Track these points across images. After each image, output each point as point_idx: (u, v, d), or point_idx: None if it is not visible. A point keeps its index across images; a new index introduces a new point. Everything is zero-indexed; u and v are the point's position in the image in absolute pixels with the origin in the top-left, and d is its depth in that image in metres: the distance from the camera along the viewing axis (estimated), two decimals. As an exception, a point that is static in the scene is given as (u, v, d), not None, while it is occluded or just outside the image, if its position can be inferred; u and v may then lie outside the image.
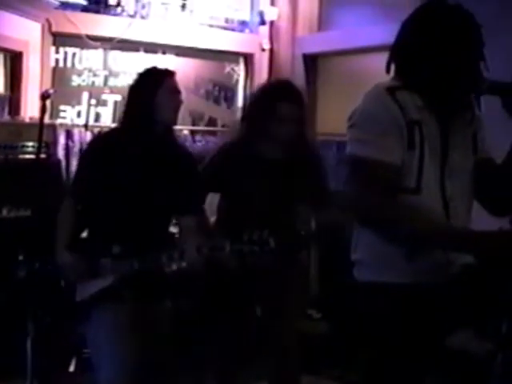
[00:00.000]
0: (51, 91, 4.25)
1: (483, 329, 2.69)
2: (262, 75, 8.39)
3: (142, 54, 7.62)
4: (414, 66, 2.58)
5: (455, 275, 2.54)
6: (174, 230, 4.12)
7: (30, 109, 6.57)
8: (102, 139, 3.93)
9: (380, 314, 2.56)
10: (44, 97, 4.08)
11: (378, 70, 2.75)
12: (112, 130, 4.02)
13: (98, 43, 7.30)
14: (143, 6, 7.52)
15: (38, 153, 4.38)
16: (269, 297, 4.18)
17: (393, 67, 2.69)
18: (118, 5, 7.35)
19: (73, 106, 7.26)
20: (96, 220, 3.69)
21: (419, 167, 2.50)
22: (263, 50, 8.34)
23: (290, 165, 4.07)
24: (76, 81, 7.33)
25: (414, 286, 2.51)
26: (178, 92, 3.76)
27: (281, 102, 4.00)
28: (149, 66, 3.93)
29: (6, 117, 6.63)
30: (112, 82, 7.44)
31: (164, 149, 3.69)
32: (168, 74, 3.77)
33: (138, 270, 3.44)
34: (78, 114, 7.26)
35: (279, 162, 4.06)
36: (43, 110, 4.06)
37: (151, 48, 7.66)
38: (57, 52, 7.23)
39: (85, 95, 7.31)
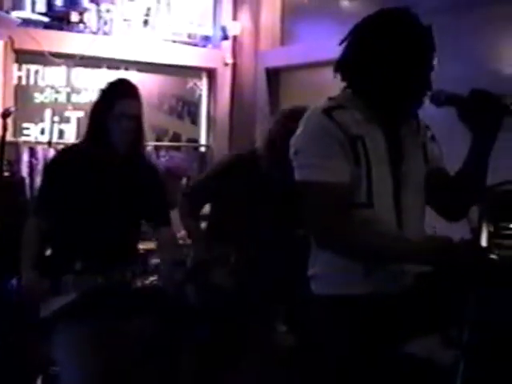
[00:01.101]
0: (12, 109, 4.25)
1: (448, 337, 2.72)
2: (224, 90, 8.42)
3: (104, 70, 7.61)
4: (362, 74, 2.60)
5: (411, 285, 2.57)
6: (141, 246, 4.11)
7: (-8, 127, 6.53)
8: (64, 155, 3.89)
9: (338, 326, 2.58)
10: (5, 115, 4.07)
11: (339, 82, 2.76)
12: (73, 146, 3.98)
13: (61, 60, 7.28)
14: (105, 23, 7.52)
15: (0, 171, 4.35)
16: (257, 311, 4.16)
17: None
18: (81, 22, 7.34)
19: (36, 124, 7.23)
20: (59, 237, 3.67)
21: (368, 181, 2.51)
22: (226, 64, 8.38)
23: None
24: (39, 98, 7.31)
25: (370, 297, 2.54)
26: (130, 117, 3.61)
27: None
28: (113, 79, 3.85)
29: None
30: (75, 98, 7.42)
31: (126, 164, 3.67)
32: (121, 97, 3.65)
33: (101, 285, 3.42)
34: (42, 132, 7.23)
35: None
36: (4, 128, 4.05)
37: (114, 64, 7.65)
38: (19, 69, 7.20)
39: (48, 112, 7.29)
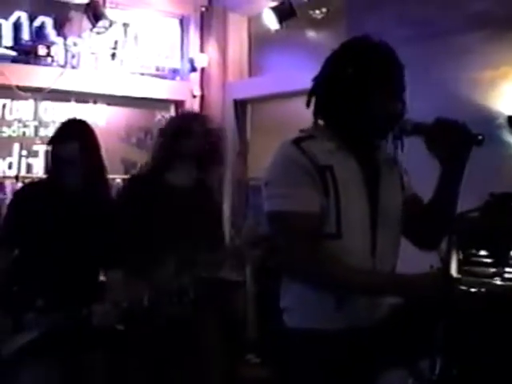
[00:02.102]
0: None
1: (416, 368, 2.71)
2: (193, 122, 8.41)
3: (73, 103, 7.60)
4: (331, 105, 2.61)
5: (383, 317, 2.57)
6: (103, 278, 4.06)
7: (-40, 161, 6.49)
8: (26, 190, 3.89)
9: (309, 362, 2.57)
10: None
11: (307, 113, 2.77)
12: (38, 182, 3.98)
13: (29, 94, 7.26)
14: (73, 56, 7.52)
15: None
16: (189, 348, 4.12)
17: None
18: (48, 55, 7.33)
19: (3, 158, 7.19)
20: (21, 273, 3.64)
21: (337, 212, 2.50)
22: (194, 96, 8.39)
23: None
24: (6, 132, 7.26)
25: (342, 332, 2.53)
26: (65, 160, 3.62)
27: None
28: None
29: None
30: (43, 132, 7.38)
31: (86, 201, 3.65)
32: (57, 141, 3.68)
33: (61, 323, 3.40)
34: (9, 166, 7.19)
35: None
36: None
37: (82, 98, 7.64)
38: (-13, 103, 7.17)
39: (16, 146, 7.25)
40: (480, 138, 2.47)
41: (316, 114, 2.66)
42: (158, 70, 8.26)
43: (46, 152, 3.74)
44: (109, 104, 7.87)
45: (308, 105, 2.68)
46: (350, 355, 2.51)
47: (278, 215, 2.53)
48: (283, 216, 2.51)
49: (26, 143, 7.27)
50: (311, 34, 7.46)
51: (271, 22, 7.38)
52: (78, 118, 3.88)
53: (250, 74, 8.25)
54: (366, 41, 2.62)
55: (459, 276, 4.32)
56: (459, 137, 2.47)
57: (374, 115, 2.54)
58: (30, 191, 3.81)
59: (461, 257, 4.46)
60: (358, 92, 2.53)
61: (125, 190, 4.40)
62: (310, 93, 2.68)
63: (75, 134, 3.64)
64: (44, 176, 3.94)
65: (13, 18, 7.17)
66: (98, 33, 7.49)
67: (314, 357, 2.55)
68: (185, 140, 4.07)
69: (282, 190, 2.51)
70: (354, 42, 2.66)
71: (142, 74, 8.09)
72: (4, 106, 7.27)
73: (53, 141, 3.66)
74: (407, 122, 2.57)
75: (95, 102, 7.77)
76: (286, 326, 2.67)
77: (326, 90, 2.62)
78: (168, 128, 4.26)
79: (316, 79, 2.68)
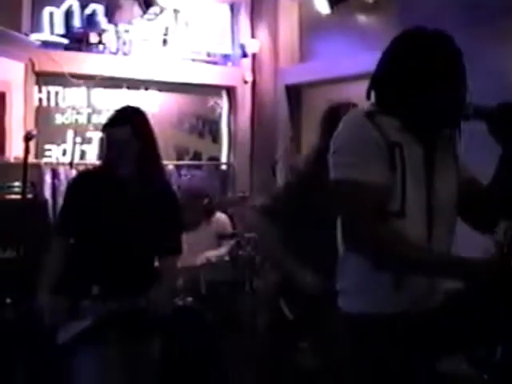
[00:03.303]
0: (34, 132, 4.25)
1: (473, 355, 2.68)
2: (245, 107, 8.43)
3: (124, 90, 7.65)
4: (396, 95, 2.58)
5: (440, 302, 2.54)
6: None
7: (15, 148, 6.55)
8: (81, 178, 3.89)
9: (367, 347, 2.54)
10: (27, 138, 4.07)
11: (360, 98, 2.75)
12: (94, 169, 3.98)
13: (81, 81, 7.33)
14: (124, 43, 7.56)
15: (23, 193, 4.36)
16: None
17: (373, 96, 2.68)
18: (100, 42, 7.38)
19: (58, 145, 7.27)
20: (77, 260, 3.66)
21: (402, 190, 2.48)
22: (246, 82, 8.38)
23: None
24: (60, 119, 7.35)
25: (400, 316, 2.50)
26: (117, 145, 3.60)
27: None
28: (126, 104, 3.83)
29: (-9, 157, 6.61)
30: (96, 119, 7.45)
31: (142, 188, 3.64)
32: (107, 127, 3.65)
33: (116, 311, 3.41)
34: (64, 153, 7.27)
35: None
36: (27, 151, 4.05)
37: (134, 84, 7.69)
38: (40, 91, 7.25)
39: (69, 133, 7.33)
40: None
41: (379, 100, 2.63)
42: (209, 55, 8.27)
43: (101, 139, 3.74)
44: (160, 90, 7.91)
45: (368, 98, 2.65)
46: (407, 340, 2.49)
47: (344, 183, 2.50)
48: (351, 185, 2.47)
49: (79, 130, 7.35)
50: (362, 18, 7.38)
51: (322, 6, 7.35)
52: (131, 105, 3.87)
53: (302, 60, 8.20)
54: (423, 31, 2.59)
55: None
56: None
57: (442, 106, 2.51)
58: (85, 179, 3.81)
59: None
60: (424, 84, 2.51)
61: None
62: (370, 87, 2.65)
63: (127, 119, 3.64)
64: (98, 163, 3.94)
65: (64, 6, 7.25)
66: (149, 19, 7.54)
67: (370, 343, 2.53)
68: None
69: (352, 159, 2.48)
70: (411, 34, 2.62)
71: (193, 60, 8.10)
72: (57, 94, 7.35)
73: (105, 127, 3.67)
74: (469, 105, 2.54)
75: (147, 89, 7.81)
76: (341, 310, 2.65)
77: (389, 84, 2.60)
78: None
79: (376, 73, 2.65)
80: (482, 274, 2.38)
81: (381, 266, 2.50)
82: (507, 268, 2.45)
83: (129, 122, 3.61)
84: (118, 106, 3.75)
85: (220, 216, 6.15)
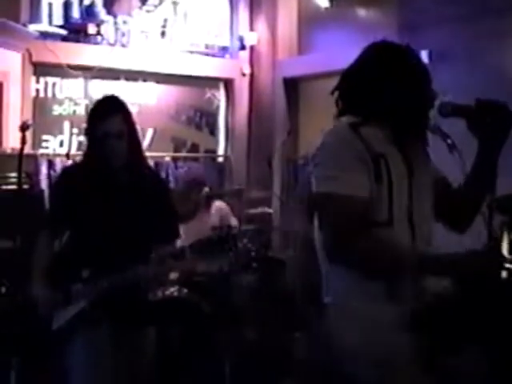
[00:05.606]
0: (30, 122, 4.24)
1: (468, 353, 2.68)
2: (242, 100, 8.43)
3: (122, 82, 7.64)
4: (372, 99, 2.62)
5: (430, 302, 2.55)
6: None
7: (12, 139, 6.53)
8: (73, 168, 3.90)
9: (359, 344, 2.55)
10: (23, 128, 4.06)
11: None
12: (84, 159, 3.96)
13: (79, 72, 7.32)
14: (123, 34, 7.55)
15: (19, 183, 4.36)
16: None
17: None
18: (98, 34, 7.38)
19: (55, 136, 7.27)
20: (72, 250, 3.67)
21: (389, 199, 2.51)
22: (243, 74, 8.39)
23: None
24: (57, 110, 7.35)
25: (391, 320, 2.51)
26: (110, 136, 3.56)
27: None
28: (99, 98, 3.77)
29: (-13, 148, 6.61)
30: (93, 110, 7.42)
31: (130, 177, 3.65)
32: (101, 117, 3.60)
33: (108, 290, 3.42)
34: (61, 144, 7.27)
35: None
36: (23, 141, 4.04)
37: (132, 76, 7.69)
38: (37, 82, 7.25)
39: (66, 124, 7.32)
40: None
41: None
42: (207, 47, 8.27)
43: (86, 129, 3.70)
44: (158, 82, 7.90)
45: (333, 93, 2.72)
46: (400, 344, 2.49)
47: (325, 196, 2.52)
48: (331, 198, 2.50)
49: (76, 121, 7.33)
50: (361, 11, 7.39)
51: (321, -1, 7.35)
52: (109, 94, 3.85)
53: (300, 52, 8.20)
54: (390, 44, 2.68)
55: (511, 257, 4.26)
56: (498, 116, 2.51)
57: (414, 107, 2.57)
58: (75, 171, 3.81)
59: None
60: (398, 88, 2.58)
61: None
62: (339, 86, 2.73)
63: (117, 109, 3.64)
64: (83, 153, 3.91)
65: (63, -3, 7.22)
66: (148, 11, 7.53)
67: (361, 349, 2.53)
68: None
69: (334, 172, 2.50)
70: (384, 46, 2.69)
71: (192, 52, 8.10)
72: (54, 85, 7.35)
73: (94, 117, 3.65)
74: (448, 103, 2.60)
75: (145, 80, 7.81)
76: (330, 320, 2.65)
77: (365, 87, 2.66)
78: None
79: (350, 75, 2.74)
80: (469, 267, 2.40)
81: (371, 276, 2.52)
82: (494, 261, 2.48)
83: (119, 112, 3.62)
84: (100, 97, 3.74)
85: (221, 205, 6.15)
